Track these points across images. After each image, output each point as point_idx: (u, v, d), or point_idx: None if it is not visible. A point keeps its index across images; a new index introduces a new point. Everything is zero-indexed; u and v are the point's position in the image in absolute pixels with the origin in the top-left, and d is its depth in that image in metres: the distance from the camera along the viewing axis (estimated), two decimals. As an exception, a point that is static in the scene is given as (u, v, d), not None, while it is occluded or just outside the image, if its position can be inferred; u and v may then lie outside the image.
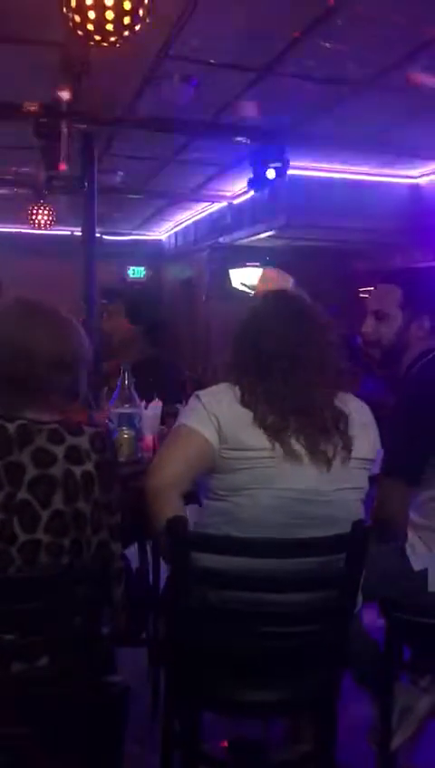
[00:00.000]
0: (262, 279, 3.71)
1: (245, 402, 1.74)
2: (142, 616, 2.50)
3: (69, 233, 8.68)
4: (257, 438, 1.71)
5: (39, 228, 7.42)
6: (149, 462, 2.39)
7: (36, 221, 7.25)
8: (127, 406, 2.50)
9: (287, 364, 1.76)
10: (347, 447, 1.75)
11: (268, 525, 1.70)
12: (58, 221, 7.75)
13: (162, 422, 2.68)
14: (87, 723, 1.55)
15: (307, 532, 1.66)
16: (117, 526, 1.63)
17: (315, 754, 1.87)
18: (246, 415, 1.73)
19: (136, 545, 3.07)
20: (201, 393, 1.82)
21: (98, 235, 6.56)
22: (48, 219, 7.26)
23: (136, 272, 10.98)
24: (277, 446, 1.70)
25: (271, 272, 3.82)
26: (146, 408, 2.61)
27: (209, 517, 1.80)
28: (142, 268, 10.97)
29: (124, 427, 2.43)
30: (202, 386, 1.89)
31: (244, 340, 1.83)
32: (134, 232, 10.56)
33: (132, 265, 10.89)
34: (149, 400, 2.67)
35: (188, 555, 1.61)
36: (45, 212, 7.23)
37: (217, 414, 1.74)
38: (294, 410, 1.73)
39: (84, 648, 1.55)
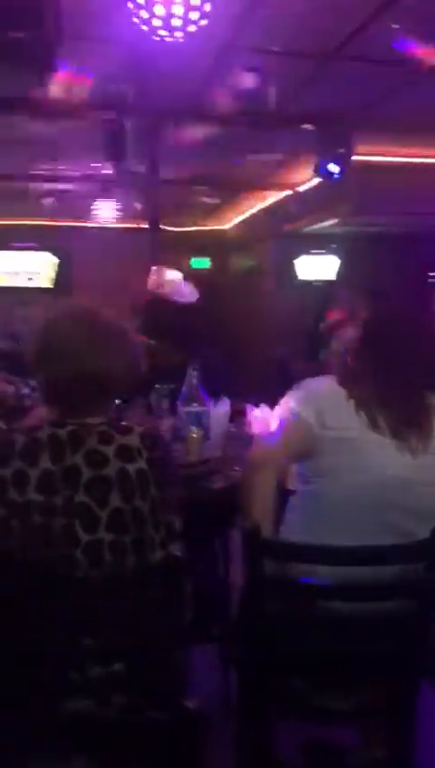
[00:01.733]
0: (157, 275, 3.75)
1: (342, 382, 1.84)
2: (212, 612, 2.50)
3: (134, 225, 8.76)
4: (348, 418, 1.78)
5: (104, 223, 7.50)
6: (219, 461, 2.40)
7: (102, 216, 7.33)
8: (195, 405, 2.50)
9: (397, 357, 1.84)
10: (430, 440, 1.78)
11: (354, 509, 1.73)
12: (123, 214, 7.83)
13: (230, 420, 2.67)
14: (161, 743, 1.55)
15: (389, 519, 1.71)
16: (175, 524, 1.64)
17: (391, 760, 1.84)
18: (341, 393, 1.81)
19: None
20: (299, 387, 1.91)
21: (163, 227, 6.58)
22: (113, 214, 7.33)
23: (200, 262, 10.97)
24: (366, 426, 1.76)
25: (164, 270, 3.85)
26: (214, 406, 2.60)
27: (300, 502, 1.87)
28: (207, 259, 10.96)
29: (193, 427, 2.43)
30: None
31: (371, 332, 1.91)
32: (198, 222, 10.56)
33: (197, 256, 10.89)
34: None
35: (262, 562, 1.60)
36: (111, 207, 7.30)
37: (319, 395, 1.84)
38: (386, 397, 1.79)
39: (158, 654, 1.56)
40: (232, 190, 8.60)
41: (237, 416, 2.61)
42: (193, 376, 2.58)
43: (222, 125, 5.66)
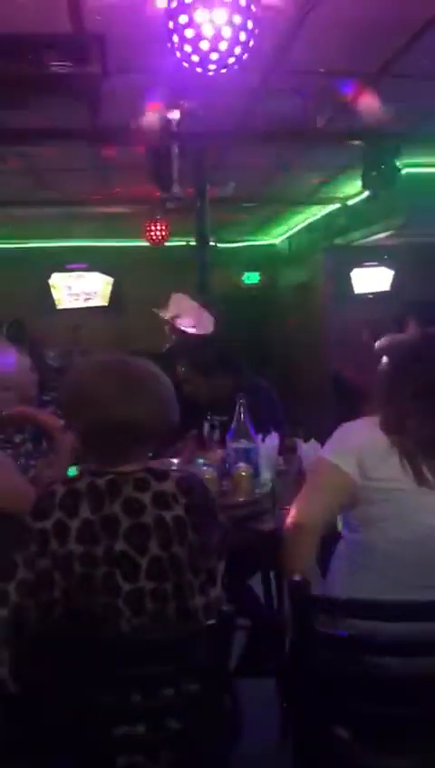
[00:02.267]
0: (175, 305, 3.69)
1: (384, 428, 1.75)
2: (269, 647, 2.47)
3: (184, 243, 8.82)
4: (393, 469, 1.71)
5: (155, 243, 7.57)
6: (269, 500, 2.37)
7: (152, 236, 7.40)
8: (243, 441, 2.48)
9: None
10: None
11: (402, 562, 1.68)
12: (172, 232, 7.89)
13: (280, 454, 2.64)
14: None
15: None
16: (215, 570, 1.62)
17: None
18: (384, 442, 1.73)
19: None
20: (338, 432, 1.85)
21: (212, 243, 6.60)
22: (163, 234, 7.40)
23: (250, 277, 10.96)
24: (411, 478, 1.69)
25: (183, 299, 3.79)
26: (263, 441, 2.57)
27: (347, 549, 1.83)
28: (257, 273, 10.95)
29: (241, 464, 2.41)
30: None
31: (403, 368, 1.81)
32: (248, 238, 10.56)
33: (247, 271, 10.89)
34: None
35: (311, 618, 1.56)
36: (161, 228, 7.36)
37: (360, 444, 1.76)
38: (429, 443, 1.71)
39: (208, 713, 1.54)
40: (281, 205, 8.57)
41: (288, 451, 2.57)
42: (241, 410, 2.56)
43: (269, 143, 5.66)
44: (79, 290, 10.51)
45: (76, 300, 10.51)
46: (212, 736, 1.58)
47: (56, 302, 10.42)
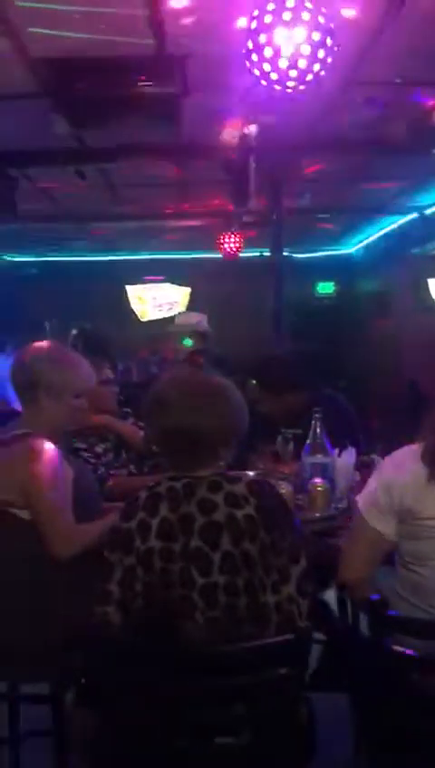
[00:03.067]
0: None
1: (425, 459, 1.76)
2: (343, 663, 2.46)
3: (258, 254, 8.87)
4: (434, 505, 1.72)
5: (229, 256, 7.64)
6: (345, 516, 2.36)
7: (226, 249, 7.48)
8: (319, 456, 2.48)
9: None
10: None
11: None
12: (247, 243, 7.95)
13: (357, 469, 2.63)
14: None
15: None
16: (287, 569, 1.67)
17: None
18: (424, 474, 1.74)
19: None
20: (383, 465, 1.90)
21: (286, 254, 6.63)
22: (238, 246, 7.46)
23: (325, 287, 10.91)
24: None
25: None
26: (340, 455, 2.57)
27: (400, 585, 1.85)
28: (332, 284, 10.88)
29: (317, 479, 2.41)
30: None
31: None
32: (323, 248, 10.52)
33: (321, 281, 10.85)
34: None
35: (387, 638, 1.56)
36: (235, 240, 7.43)
37: (400, 482, 1.78)
38: None
39: (283, 727, 1.56)
40: (357, 215, 8.51)
41: (364, 467, 2.56)
42: (317, 423, 2.56)
43: (345, 155, 5.65)
44: (158, 301, 10.74)
45: (160, 310, 10.74)
46: (287, 752, 1.59)
47: (140, 315, 10.68)
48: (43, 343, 2.34)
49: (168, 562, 1.64)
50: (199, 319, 4.35)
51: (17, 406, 2.33)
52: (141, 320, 10.66)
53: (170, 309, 10.67)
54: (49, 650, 2.02)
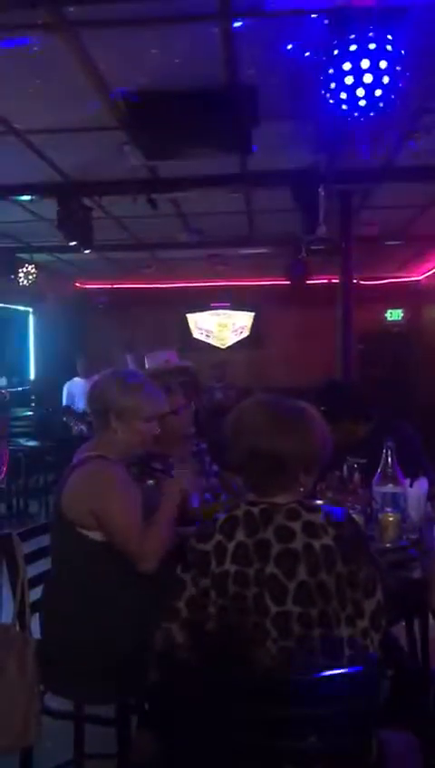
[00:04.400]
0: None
1: None
2: (412, 700, 2.38)
3: (326, 281, 8.86)
4: None
5: (297, 282, 7.66)
6: (417, 547, 2.30)
7: (294, 276, 7.50)
8: (390, 485, 2.43)
9: None
10: None
11: None
12: (315, 270, 7.96)
13: (429, 500, 2.56)
14: None
15: None
16: (362, 603, 1.64)
17: None
18: None
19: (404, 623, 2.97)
20: None
21: (355, 281, 6.59)
22: (305, 273, 7.47)
23: (394, 314, 10.79)
24: None
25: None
26: (411, 485, 2.52)
27: None
28: (400, 311, 10.76)
29: (388, 509, 2.36)
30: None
31: None
32: (392, 274, 10.43)
33: (391, 308, 10.73)
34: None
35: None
36: (303, 267, 7.45)
37: None
38: None
39: (352, 762, 1.52)
40: (427, 242, 8.41)
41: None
42: (388, 452, 2.52)
43: (414, 182, 5.60)
44: (207, 327, 10.93)
45: (207, 337, 10.92)
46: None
47: (220, 341, 10.85)
48: (115, 370, 2.41)
49: (242, 587, 1.62)
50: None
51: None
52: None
53: (241, 333, 10.83)
54: (116, 671, 2.03)
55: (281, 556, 1.63)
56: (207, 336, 11.01)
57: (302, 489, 1.75)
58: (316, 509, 1.70)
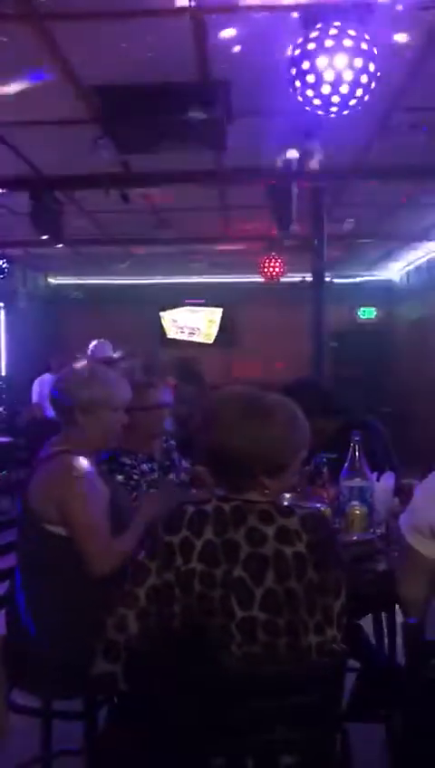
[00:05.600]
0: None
1: None
2: (379, 692, 2.41)
3: (299, 278, 8.89)
4: None
5: (271, 279, 7.68)
6: (383, 541, 2.33)
7: (268, 273, 7.52)
8: (357, 479, 2.45)
9: None
10: None
11: None
12: (288, 268, 7.98)
13: (396, 495, 2.59)
14: None
15: None
16: (332, 610, 1.60)
17: None
18: None
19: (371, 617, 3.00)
20: (426, 481, 1.85)
21: (328, 279, 6.63)
22: (279, 270, 7.49)
23: (366, 312, 10.87)
24: None
25: None
26: (378, 479, 2.54)
27: None
28: (373, 309, 10.84)
29: (355, 503, 2.38)
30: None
31: None
32: (364, 273, 10.50)
33: (363, 306, 10.81)
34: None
35: (426, 664, 1.53)
36: (277, 264, 7.47)
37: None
38: None
39: (318, 753, 1.53)
40: (400, 241, 8.49)
41: (404, 493, 2.52)
42: (356, 447, 2.53)
43: (388, 181, 5.65)
44: (183, 324, 10.94)
45: (182, 333, 10.92)
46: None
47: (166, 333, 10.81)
48: (76, 364, 2.39)
49: (208, 588, 1.57)
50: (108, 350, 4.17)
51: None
52: (209, 342, 10.84)
53: (192, 334, 10.82)
54: (83, 666, 2.02)
55: (250, 560, 1.58)
56: (190, 333, 10.98)
57: (267, 491, 1.68)
58: (290, 512, 1.64)
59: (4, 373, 9.62)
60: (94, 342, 6.82)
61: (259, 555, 1.58)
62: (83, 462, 2.19)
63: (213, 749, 1.52)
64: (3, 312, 9.75)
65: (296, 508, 1.69)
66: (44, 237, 5.62)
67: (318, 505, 2.40)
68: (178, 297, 10.83)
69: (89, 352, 6.56)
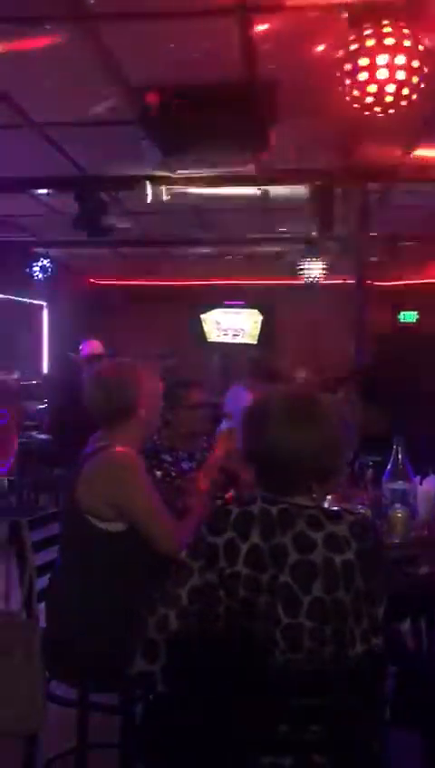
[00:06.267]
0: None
1: None
2: (417, 698, 2.37)
3: (340, 281, 8.83)
4: None
5: (311, 281, 7.64)
6: (425, 543, 2.30)
7: (309, 275, 7.48)
8: (400, 482, 2.43)
9: None
10: None
11: None
12: (329, 270, 7.93)
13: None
14: None
15: None
16: (377, 618, 1.58)
17: None
18: None
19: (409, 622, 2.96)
20: None
21: (368, 281, 6.57)
22: (320, 273, 7.45)
23: (407, 316, 10.74)
24: None
25: None
26: (421, 483, 2.51)
27: None
28: (415, 312, 10.70)
29: (397, 505, 2.36)
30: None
31: None
32: (407, 276, 10.38)
33: (405, 310, 10.68)
34: None
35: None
36: (318, 266, 7.43)
37: None
38: None
39: (356, 754, 1.51)
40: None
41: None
42: (398, 450, 2.51)
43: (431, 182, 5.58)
44: (227, 326, 10.92)
45: (225, 335, 10.92)
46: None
47: (207, 336, 10.86)
48: (106, 365, 2.43)
49: (252, 593, 1.54)
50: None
51: None
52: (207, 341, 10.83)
53: (236, 335, 10.82)
54: (121, 661, 2.04)
55: (298, 566, 1.54)
56: (234, 335, 10.98)
57: (314, 495, 1.65)
58: (339, 518, 1.61)
59: (46, 371, 9.76)
60: (87, 341, 6.90)
61: (308, 562, 1.55)
62: (134, 454, 2.23)
63: (251, 749, 1.51)
64: (46, 311, 9.89)
65: (344, 514, 1.65)
66: (87, 238, 5.69)
67: (359, 507, 2.38)
68: (217, 298, 10.84)
69: (82, 351, 6.69)
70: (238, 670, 1.50)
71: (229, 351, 10.03)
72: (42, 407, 7.55)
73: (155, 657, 1.58)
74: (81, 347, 6.84)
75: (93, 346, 6.69)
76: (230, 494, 2.67)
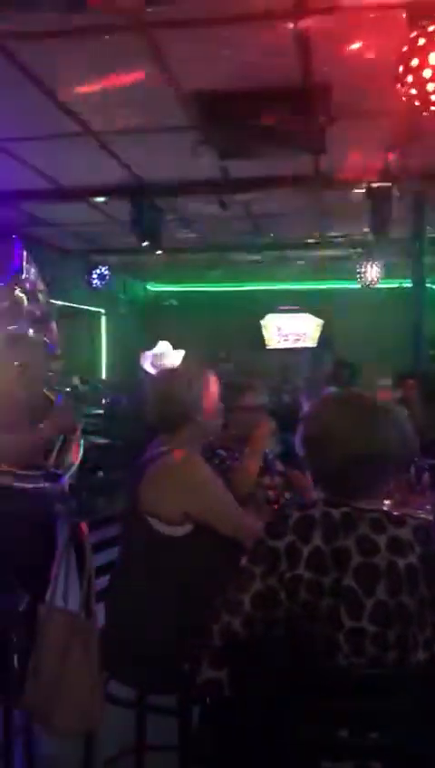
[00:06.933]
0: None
1: None
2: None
3: (397, 284, 8.70)
4: None
5: (368, 285, 7.56)
6: None
7: (365, 278, 7.40)
8: (463, 486, 2.37)
9: None
10: None
11: None
12: (386, 274, 7.83)
13: None
14: None
15: None
16: None
17: None
18: None
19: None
20: None
21: (428, 285, 6.45)
22: (377, 276, 7.36)
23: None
24: None
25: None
26: None
27: None
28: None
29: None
30: None
31: None
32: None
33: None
34: None
35: None
36: (375, 269, 7.34)
37: None
38: None
39: (415, 761, 1.48)
40: None
41: None
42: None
43: None
44: (289, 331, 10.86)
45: (286, 341, 10.86)
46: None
47: (266, 342, 10.82)
48: (165, 371, 2.45)
49: (314, 596, 1.52)
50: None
51: None
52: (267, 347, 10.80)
53: (298, 340, 10.74)
54: (178, 662, 2.04)
55: (361, 569, 1.52)
56: (296, 340, 10.94)
57: (374, 498, 1.64)
58: (402, 522, 1.58)
59: (104, 377, 9.90)
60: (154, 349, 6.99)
61: (371, 565, 1.53)
62: (199, 456, 2.26)
63: (310, 753, 1.49)
64: (104, 318, 10.04)
65: (408, 518, 1.62)
66: (144, 244, 5.75)
67: (419, 512, 2.33)
68: (273, 303, 10.82)
69: (150, 357, 6.74)
70: (299, 673, 1.48)
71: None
72: (100, 412, 7.67)
73: (221, 665, 1.58)
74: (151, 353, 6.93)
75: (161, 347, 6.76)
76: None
